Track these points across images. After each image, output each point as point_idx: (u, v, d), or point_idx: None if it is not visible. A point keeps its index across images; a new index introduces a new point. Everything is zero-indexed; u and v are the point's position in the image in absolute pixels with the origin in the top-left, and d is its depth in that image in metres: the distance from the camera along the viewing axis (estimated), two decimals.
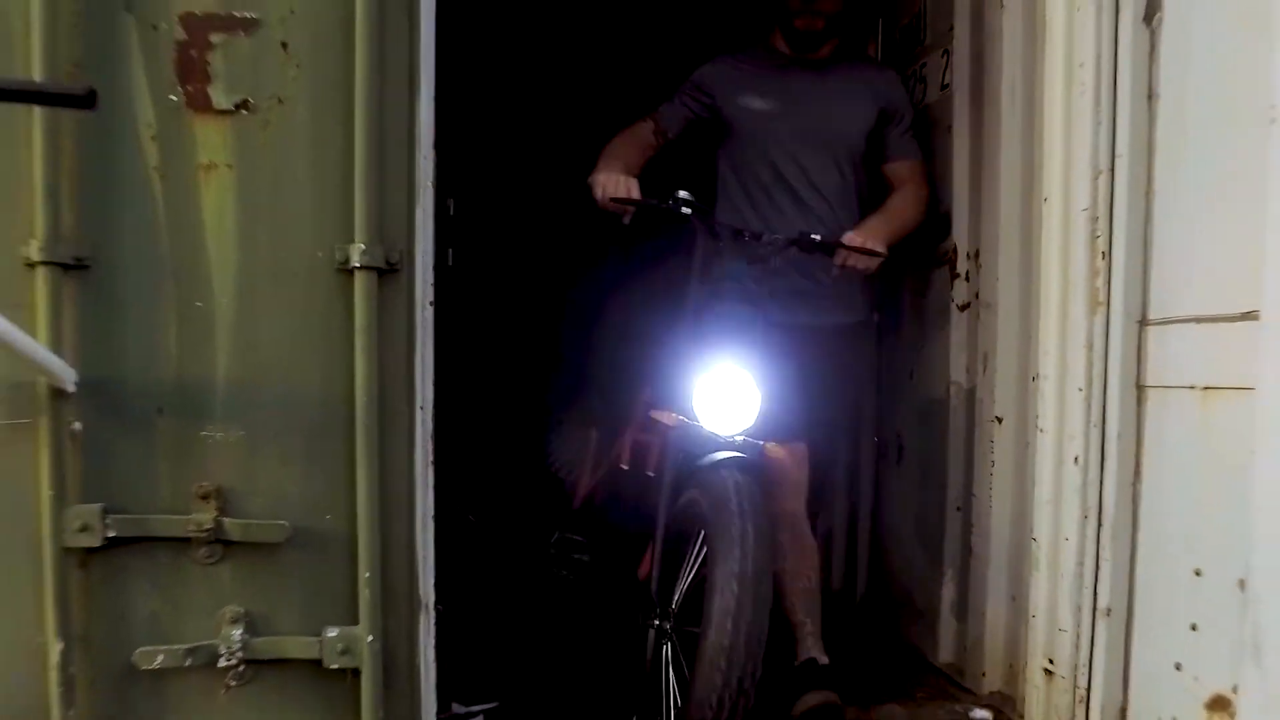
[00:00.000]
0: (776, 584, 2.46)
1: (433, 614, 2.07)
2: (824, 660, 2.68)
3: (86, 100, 1.39)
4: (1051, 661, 2.47)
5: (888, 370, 3.56)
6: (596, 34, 4.91)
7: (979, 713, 2.66)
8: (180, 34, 1.90)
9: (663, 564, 2.45)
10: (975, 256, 2.96)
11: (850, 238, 2.69)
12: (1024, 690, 2.59)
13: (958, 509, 3.04)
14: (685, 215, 2.57)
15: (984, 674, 2.81)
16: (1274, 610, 1.73)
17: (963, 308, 3.02)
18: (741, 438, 2.41)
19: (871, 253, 2.67)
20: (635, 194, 2.60)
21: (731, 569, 2.09)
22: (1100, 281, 2.24)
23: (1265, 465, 1.75)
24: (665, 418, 2.48)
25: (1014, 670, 2.69)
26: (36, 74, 1.81)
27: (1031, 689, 2.56)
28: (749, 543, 2.12)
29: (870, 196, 3.01)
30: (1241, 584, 1.81)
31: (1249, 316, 1.81)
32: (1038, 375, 2.51)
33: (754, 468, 2.34)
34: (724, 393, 2.41)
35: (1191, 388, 2.00)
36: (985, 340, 2.85)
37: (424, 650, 2.05)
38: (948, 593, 3.08)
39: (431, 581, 2.06)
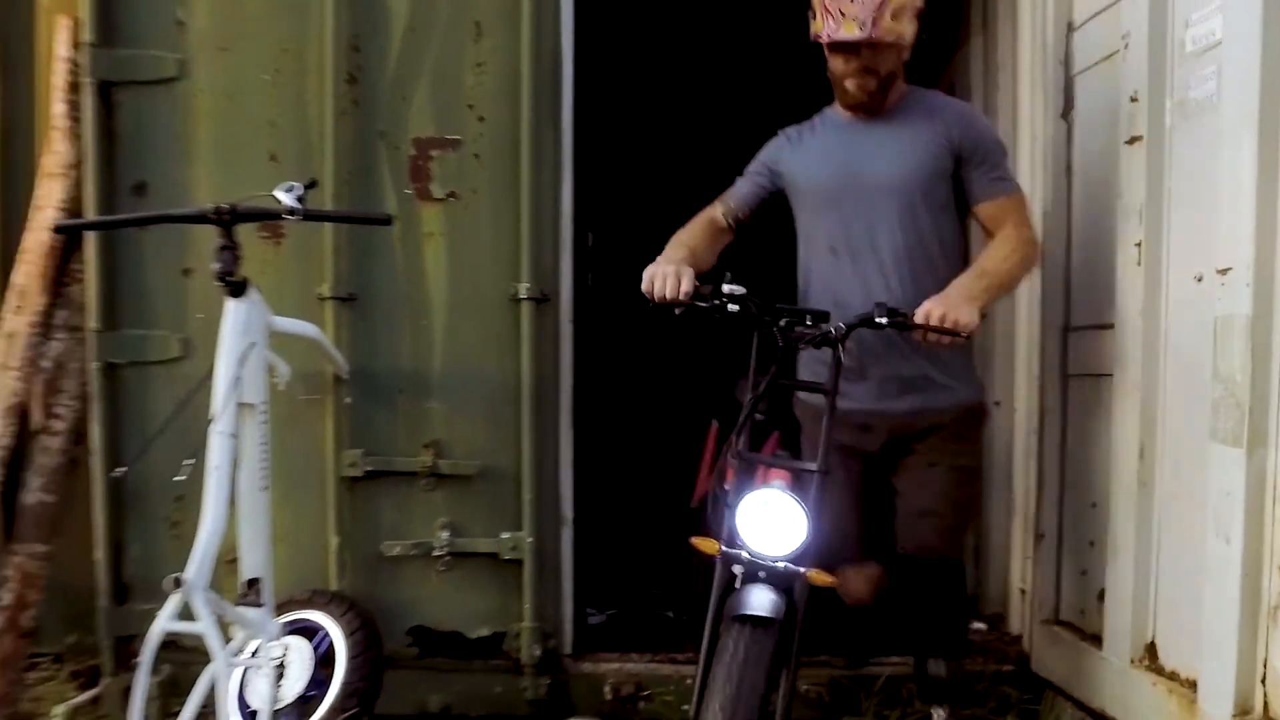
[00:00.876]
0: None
1: (571, 526, 3.11)
2: None
3: (387, 221, 2.50)
4: (1024, 582, 3.32)
5: None
6: (725, 69, 5.75)
7: (977, 624, 3.52)
8: (412, 150, 3.00)
9: (702, 693, 2.19)
10: None
11: (928, 310, 2.29)
12: (1008, 608, 3.46)
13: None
14: (732, 313, 2.36)
15: (988, 600, 3.66)
16: (1120, 523, 2.59)
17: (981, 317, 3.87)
18: (784, 565, 2.20)
19: (948, 332, 2.29)
20: (686, 288, 2.38)
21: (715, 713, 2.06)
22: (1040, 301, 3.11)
23: (1117, 424, 2.61)
24: (705, 546, 2.28)
25: (1006, 595, 3.53)
26: (327, 180, 2.92)
27: (1013, 606, 3.43)
28: (730, 695, 2.06)
29: (968, 247, 2.78)
30: (1112, 510, 2.66)
31: (1111, 326, 2.67)
32: (1012, 369, 3.38)
33: (775, 617, 2.15)
34: (768, 518, 2.23)
35: (1091, 375, 2.85)
36: (988, 344, 3.70)
37: (565, 549, 3.11)
38: (969, 543, 3.92)
39: (570, 503, 3.11)
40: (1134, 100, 2.55)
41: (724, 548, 2.26)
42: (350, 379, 2.99)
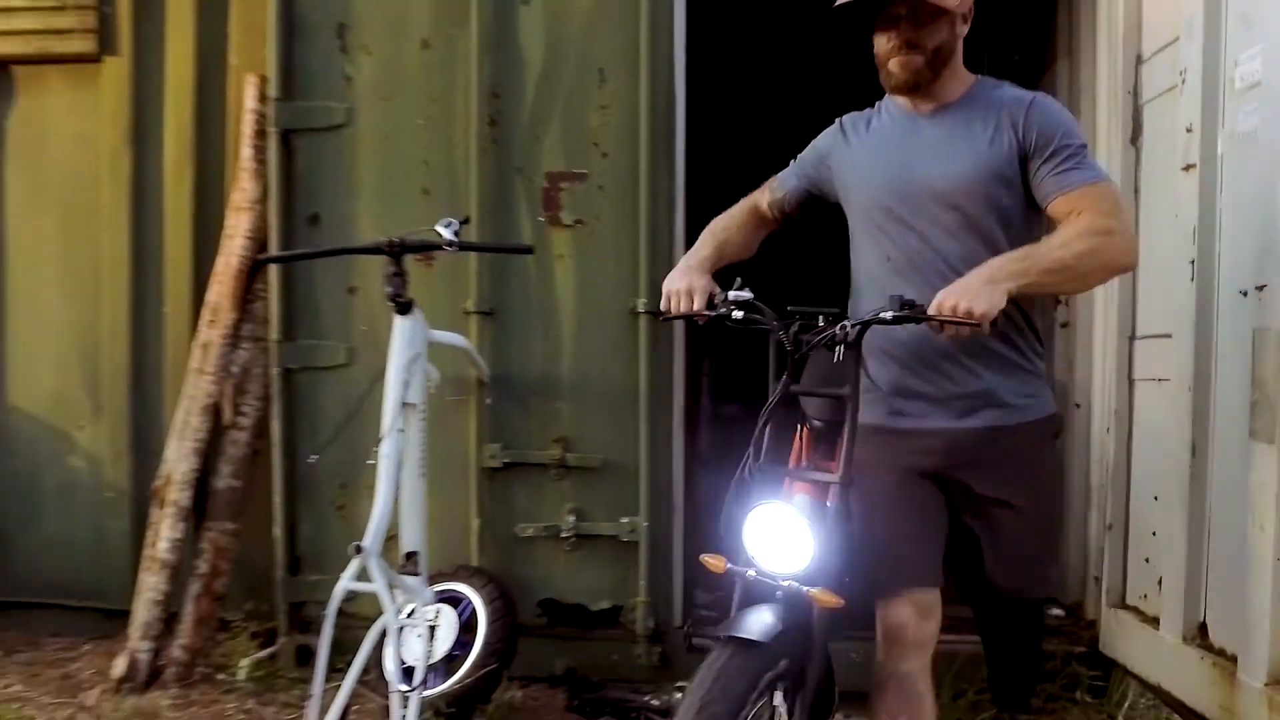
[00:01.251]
0: None
1: (681, 511, 3.51)
2: None
3: (529, 250, 2.96)
4: (1098, 570, 3.59)
5: None
6: (822, 96, 6.05)
7: (1055, 610, 3.79)
8: (545, 183, 3.43)
9: None
10: None
11: (940, 300, 2.03)
12: (1085, 595, 3.73)
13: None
14: (737, 320, 2.23)
15: (1067, 589, 3.92)
16: (1176, 514, 2.86)
17: (1063, 325, 4.14)
18: (789, 583, 2.07)
19: (964, 324, 2.00)
20: (698, 303, 2.32)
21: None
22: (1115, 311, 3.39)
23: (1174, 424, 2.89)
24: (712, 563, 2.15)
25: (1083, 583, 3.80)
26: (471, 210, 3.37)
27: (1088, 593, 3.69)
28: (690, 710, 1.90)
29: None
30: (1169, 502, 2.94)
31: (1169, 335, 2.95)
32: (1090, 374, 3.66)
33: (761, 640, 1.99)
34: (774, 534, 2.10)
35: (1152, 379, 3.13)
36: (1071, 351, 3.97)
37: (675, 533, 3.50)
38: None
39: (681, 491, 3.50)
40: (1189, 131, 2.82)
41: (729, 564, 2.14)
42: (490, 383, 3.44)
